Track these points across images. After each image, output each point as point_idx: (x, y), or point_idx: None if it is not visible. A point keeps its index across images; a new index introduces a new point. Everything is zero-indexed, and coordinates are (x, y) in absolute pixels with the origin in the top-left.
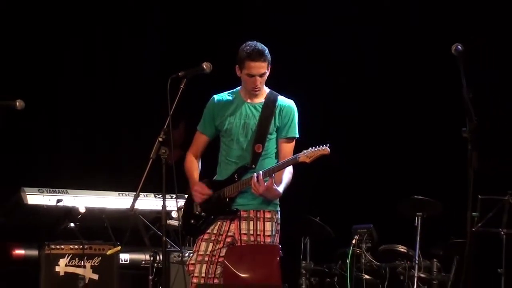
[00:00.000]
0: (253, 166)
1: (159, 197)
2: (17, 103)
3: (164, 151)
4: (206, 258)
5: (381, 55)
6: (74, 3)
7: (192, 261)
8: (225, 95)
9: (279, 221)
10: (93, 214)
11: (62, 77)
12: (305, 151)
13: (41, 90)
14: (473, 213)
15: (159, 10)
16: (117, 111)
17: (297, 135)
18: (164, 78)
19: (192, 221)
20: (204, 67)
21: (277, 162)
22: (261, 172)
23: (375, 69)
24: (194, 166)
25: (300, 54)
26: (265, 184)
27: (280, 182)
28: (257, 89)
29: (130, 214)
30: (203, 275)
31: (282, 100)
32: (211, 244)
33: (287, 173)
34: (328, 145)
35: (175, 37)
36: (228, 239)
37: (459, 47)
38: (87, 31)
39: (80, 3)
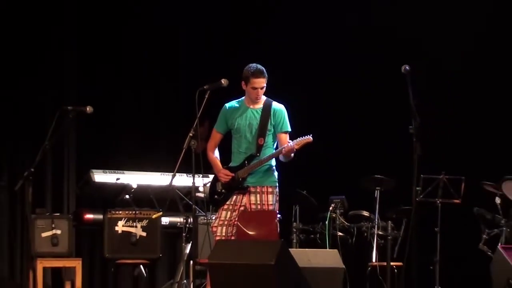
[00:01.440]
0: (258, 154)
1: (190, 176)
2: (87, 109)
3: (193, 143)
4: (226, 223)
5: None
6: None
7: (215, 224)
8: (233, 103)
9: (277, 194)
10: (142, 189)
11: (126, 90)
12: (295, 140)
13: (107, 100)
14: (417, 188)
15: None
16: (158, 114)
17: (289, 129)
18: (195, 90)
19: (216, 196)
20: (222, 82)
21: (275, 149)
22: (293, 146)
23: (346, 76)
24: (216, 159)
25: (289, 67)
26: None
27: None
28: (259, 98)
29: (169, 189)
30: (223, 234)
31: (275, 105)
32: (229, 212)
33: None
34: (311, 135)
35: (202, 62)
36: (241, 208)
37: (407, 67)
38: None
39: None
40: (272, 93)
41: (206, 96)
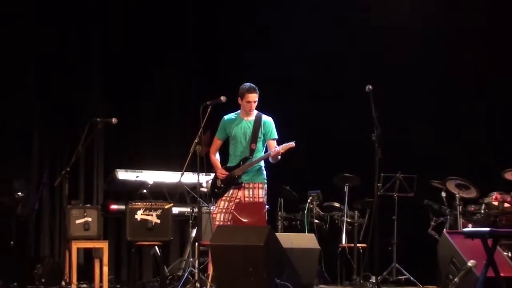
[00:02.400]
0: (250, 156)
1: (195, 174)
2: (113, 120)
3: (198, 147)
4: (224, 211)
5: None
6: None
7: (215, 212)
8: (231, 116)
9: (266, 189)
10: (157, 185)
11: (144, 104)
12: (280, 145)
13: (129, 112)
14: (378, 184)
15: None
16: (171, 124)
17: (277, 137)
18: (199, 105)
19: (216, 190)
20: (222, 99)
21: (264, 153)
22: (279, 151)
23: (322, 95)
24: (216, 160)
25: (276, 86)
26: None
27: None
28: (252, 110)
29: (178, 185)
30: (222, 220)
31: (265, 117)
32: (226, 203)
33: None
34: (294, 141)
35: (205, 82)
36: (237, 200)
37: (370, 87)
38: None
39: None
40: (262, 107)
41: (209, 110)
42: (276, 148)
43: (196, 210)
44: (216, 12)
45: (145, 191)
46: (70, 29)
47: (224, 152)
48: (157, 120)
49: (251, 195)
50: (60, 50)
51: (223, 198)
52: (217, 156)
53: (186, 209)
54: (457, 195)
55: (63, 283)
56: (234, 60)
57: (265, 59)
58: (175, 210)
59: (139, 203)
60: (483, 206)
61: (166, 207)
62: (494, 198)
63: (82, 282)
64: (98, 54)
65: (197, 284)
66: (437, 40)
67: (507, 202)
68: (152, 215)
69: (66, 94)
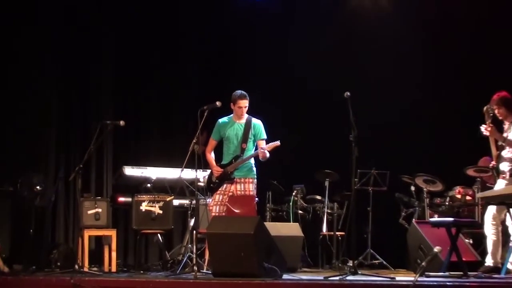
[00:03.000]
0: (241, 155)
1: (193, 171)
2: (121, 122)
3: (196, 147)
4: (219, 203)
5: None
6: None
7: (211, 204)
8: (225, 119)
9: (256, 183)
10: (159, 180)
11: (149, 108)
12: (267, 145)
13: (135, 115)
14: (355, 179)
15: (197, 81)
16: (172, 126)
17: (265, 137)
18: (197, 109)
19: (212, 185)
20: (217, 104)
21: (255, 151)
22: (265, 151)
23: (307, 100)
24: (212, 158)
25: (265, 92)
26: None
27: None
28: (243, 115)
29: (179, 180)
30: (217, 211)
31: (255, 120)
32: (221, 196)
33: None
34: (279, 141)
35: (204, 89)
36: (230, 193)
37: (348, 93)
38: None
39: None
40: (252, 111)
41: (205, 113)
42: (262, 148)
43: (194, 202)
44: (216, 26)
45: (149, 185)
46: (84, 36)
47: (218, 151)
48: (160, 123)
49: (242, 189)
50: (76, 58)
51: (218, 192)
52: (212, 154)
53: (185, 201)
54: (424, 189)
55: (76, 266)
56: (230, 70)
57: (256, 68)
58: (176, 202)
59: (144, 196)
60: (447, 199)
61: (168, 199)
62: (458, 192)
63: (93, 265)
64: (110, 62)
65: (195, 268)
66: (408, 50)
67: (469, 195)
68: (155, 206)
69: (80, 99)
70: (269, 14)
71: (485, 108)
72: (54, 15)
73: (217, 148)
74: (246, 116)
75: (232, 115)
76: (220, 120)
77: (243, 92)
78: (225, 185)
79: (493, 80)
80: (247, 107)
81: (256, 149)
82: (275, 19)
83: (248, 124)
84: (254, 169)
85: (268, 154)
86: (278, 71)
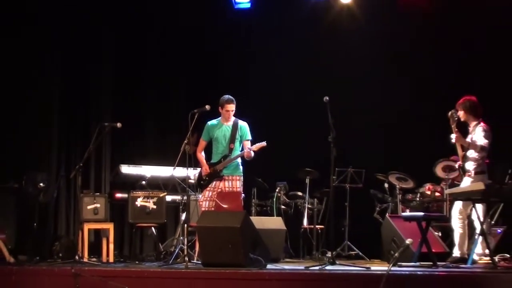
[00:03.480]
0: (229, 154)
1: (185, 169)
2: (118, 124)
3: (187, 147)
4: (208, 199)
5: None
6: None
7: (201, 199)
8: (213, 121)
9: (242, 180)
10: (153, 177)
11: (144, 112)
12: (253, 145)
13: (131, 118)
14: (333, 177)
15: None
16: (166, 128)
17: (250, 138)
18: (188, 112)
19: (202, 182)
20: (207, 107)
21: (241, 151)
22: (251, 150)
23: (289, 104)
24: (202, 158)
25: (250, 96)
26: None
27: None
28: (230, 117)
29: (171, 177)
30: (207, 206)
31: (241, 122)
32: (210, 192)
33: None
34: (265, 141)
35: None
36: (219, 190)
37: (327, 98)
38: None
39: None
40: (238, 113)
41: (196, 116)
42: (248, 148)
43: (185, 198)
44: (208, 39)
45: (144, 182)
46: (84, 36)
47: (208, 150)
48: (154, 124)
49: (230, 186)
50: (76, 58)
51: (208, 188)
52: (203, 154)
53: (177, 197)
54: (397, 186)
55: (77, 257)
56: (219, 76)
57: (244, 76)
58: (168, 198)
59: (139, 192)
60: (418, 195)
61: (161, 195)
62: (427, 189)
63: (92, 256)
64: (109, 63)
65: (186, 258)
66: (378, 57)
67: (438, 192)
68: (149, 202)
69: (80, 100)
70: (253, 26)
71: (449, 113)
72: (55, 15)
73: (207, 148)
74: (233, 118)
75: (220, 118)
76: (209, 123)
77: (230, 97)
78: (214, 182)
79: (460, 84)
80: (233, 111)
81: (242, 149)
82: (259, 29)
83: (235, 126)
84: (241, 167)
85: (252, 154)
86: (264, 77)
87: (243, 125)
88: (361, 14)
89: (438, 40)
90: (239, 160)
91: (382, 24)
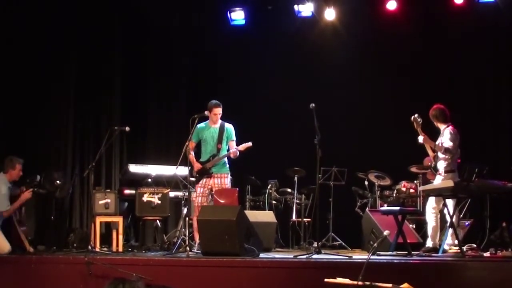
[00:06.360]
0: (217, 154)
1: (186, 168)
2: (126, 128)
3: (188, 149)
4: (200, 195)
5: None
6: None
7: (195, 197)
8: (202, 124)
9: (230, 177)
10: (158, 176)
11: (150, 116)
12: (240, 145)
13: (139, 122)
14: (319, 175)
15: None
16: (170, 131)
17: (234, 138)
18: (189, 117)
19: (192, 178)
20: (206, 113)
21: (228, 151)
22: (237, 150)
23: (275, 110)
24: (192, 157)
25: (237, 101)
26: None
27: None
28: (217, 120)
29: (174, 176)
30: (199, 202)
31: (227, 125)
32: (202, 188)
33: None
34: (251, 141)
35: (193, 101)
36: (209, 186)
37: (313, 105)
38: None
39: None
40: (225, 116)
41: (196, 121)
42: (235, 148)
43: (186, 194)
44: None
45: (149, 180)
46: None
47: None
48: (160, 128)
49: (219, 183)
50: (92, 68)
51: (199, 185)
52: (192, 153)
53: (180, 193)
54: (376, 183)
55: (90, 247)
56: (217, 84)
57: (238, 84)
58: (172, 194)
59: (145, 189)
60: (395, 191)
61: (165, 191)
62: (403, 186)
63: (103, 246)
64: (119, 74)
65: (187, 248)
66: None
67: (412, 189)
68: (154, 197)
69: (93, 107)
70: (245, 39)
71: (412, 118)
72: (68, 16)
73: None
74: (220, 121)
75: (208, 120)
76: (198, 125)
77: (217, 101)
78: (204, 180)
79: (433, 87)
80: (220, 114)
81: (229, 149)
82: (252, 43)
83: (221, 128)
84: (227, 165)
85: (238, 153)
86: (256, 83)
87: (229, 127)
88: (343, 29)
89: (412, 53)
90: (225, 159)
91: (361, 37)
